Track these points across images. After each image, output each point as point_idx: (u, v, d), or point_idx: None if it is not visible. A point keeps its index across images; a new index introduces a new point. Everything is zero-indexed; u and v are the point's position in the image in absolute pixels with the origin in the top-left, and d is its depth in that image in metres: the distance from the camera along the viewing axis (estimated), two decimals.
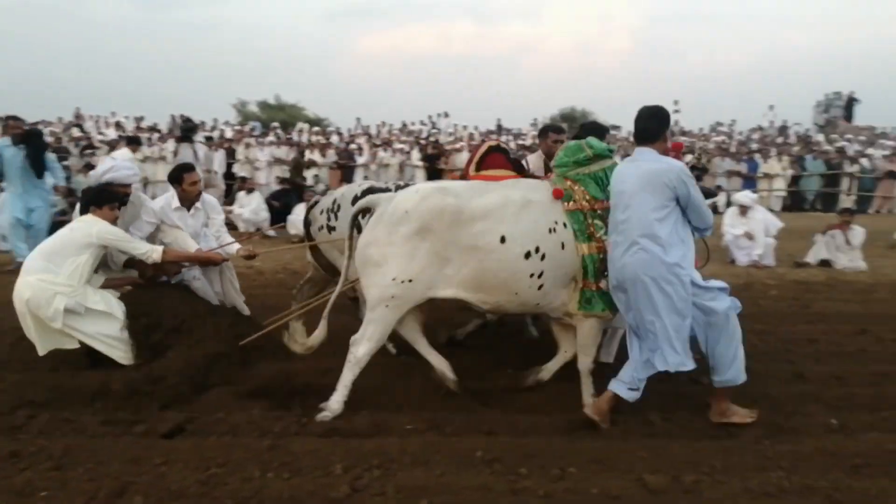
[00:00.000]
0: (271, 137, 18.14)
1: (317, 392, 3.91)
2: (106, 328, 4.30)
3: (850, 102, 27.21)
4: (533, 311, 4.19)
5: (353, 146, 17.82)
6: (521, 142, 20.71)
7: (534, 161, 5.37)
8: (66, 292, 4.17)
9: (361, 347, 3.75)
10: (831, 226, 9.36)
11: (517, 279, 3.72)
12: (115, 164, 4.88)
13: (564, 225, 3.79)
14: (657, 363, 3.51)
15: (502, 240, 3.67)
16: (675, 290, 3.43)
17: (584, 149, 3.96)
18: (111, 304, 4.38)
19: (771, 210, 17.16)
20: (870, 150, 19.25)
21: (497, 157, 4.63)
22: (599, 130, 4.81)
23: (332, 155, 16.40)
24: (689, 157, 5.53)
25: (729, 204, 10.90)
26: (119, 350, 4.32)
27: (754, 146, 19.91)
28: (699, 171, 4.88)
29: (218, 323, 4.54)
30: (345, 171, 15.85)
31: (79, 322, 4.23)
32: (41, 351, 4.26)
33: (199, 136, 14.57)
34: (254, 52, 60.48)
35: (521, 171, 4.72)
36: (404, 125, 22.94)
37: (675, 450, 3.32)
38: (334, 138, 19.54)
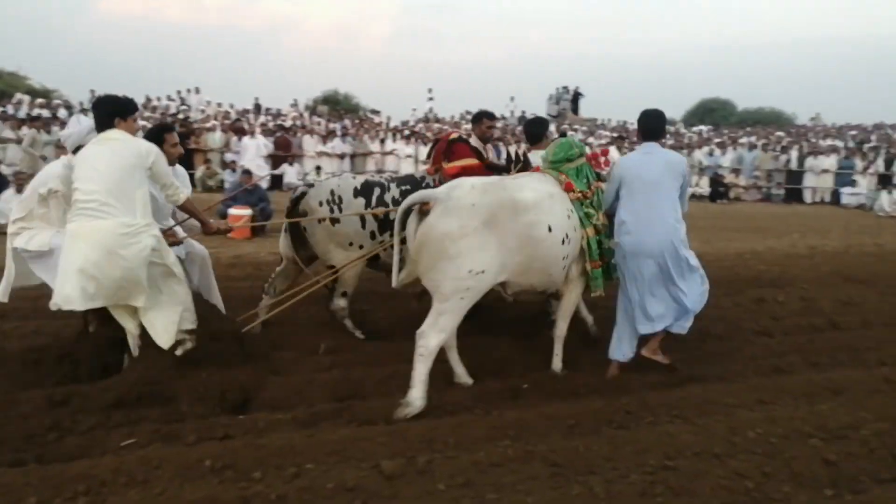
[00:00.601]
0: None
1: None
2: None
3: (576, 96, 30.75)
4: (551, 288, 4.43)
5: None
6: (280, 122, 20.05)
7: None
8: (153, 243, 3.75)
9: (433, 339, 3.72)
10: None
11: (555, 262, 4.14)
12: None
13: (572, 212, 4.28)
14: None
15: (549, 229, 4.03)
16: (688, 254, 4.24)
17: (574, 147, 4.57)
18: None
19: None
20: (590, 140, 21.84)
21: (462, 148, 5.19)
22: (545, 124, 5.78)
23: (58, 132, 14.28)
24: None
25: None
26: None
27: (496, 134, 21.47)
28: None
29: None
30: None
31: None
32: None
33: None
34: None
35: (482, 159, 5.24)
36: (148, 100, 20.82)
37: (414, 431, 3.36)
38: (62, 112, 17.12)
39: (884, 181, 18.14)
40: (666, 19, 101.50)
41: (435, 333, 3.73)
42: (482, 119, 5.56)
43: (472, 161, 5.12)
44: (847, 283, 7.65)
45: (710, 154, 20.64)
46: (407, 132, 20.34)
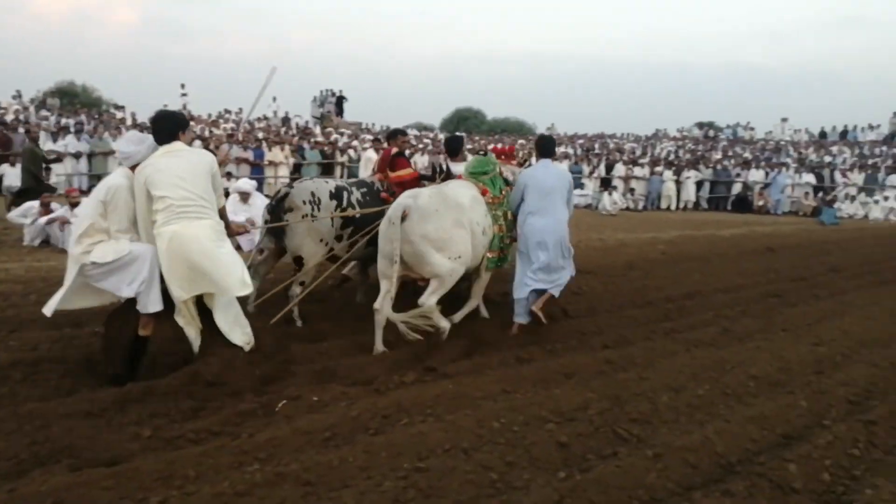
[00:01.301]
0: None
1: None
2: None
3: (341, 100, 30.85)
4: (471, 271, 5.52)
5: None
6: None
7: (366, 157, 6.90)
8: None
9: (432, 300, 4.99)
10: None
11: (481, 249, 5.44)
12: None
13: (487, 212, 5.52)
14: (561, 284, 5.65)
15: (478, 224, 5.35)
16: (568, 244, 5.67)
17: (490, 163, 5.87)
18: None
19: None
20: (354, 143, 22.04)
21: (403, 161, 6.41)
22: (461, 140, 7.26)
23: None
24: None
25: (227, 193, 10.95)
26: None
27: (260, 135, 20.67)
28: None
29: None
30: None
31: None
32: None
33: None
34: None
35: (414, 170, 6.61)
36: None
37: (146, 468, 2.98)
38: None
39: (605, 184, 20.86)
40: (427, 29, 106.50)
41: (432, 297, 5.00)
42: (397, 136, 6.62)
43: (410, 171, 6.36)
44: (577, 274, 8.57)
45: (465, 160, 21.98)
46: None
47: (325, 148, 19.74)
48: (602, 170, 21.60)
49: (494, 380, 4.33)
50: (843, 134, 33.43)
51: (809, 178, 23.71)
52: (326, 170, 19.47)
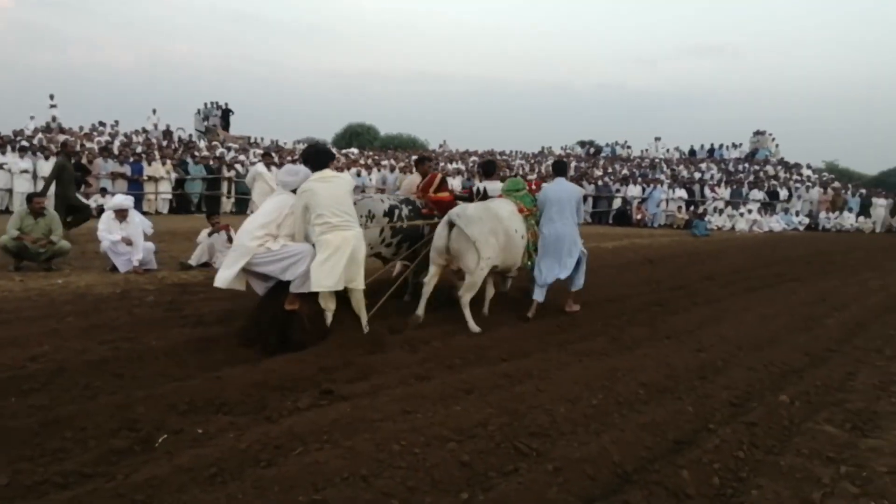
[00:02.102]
0: None
1: None
2: None
3: (226, 113, 29.76)
4: (512, 268, 7.21)
5: None
6: None
7: (410, 180, 8.31)
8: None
9: (467, 295, 6.44)
10: (216, 227, 9.73)
11: (519, 251, 6.94)
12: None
13: (523, 222, 7.05)
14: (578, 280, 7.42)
15: (516, 231, 6.84)
16: (578, 244, 7.26)
17: (521, 183, 7.58)
18: None
19: (158, 213, 17.17)
20: (241, 157, 21.28)
21: (445, 185, 7.88)
22: (495, 164, 8.65)
23: None
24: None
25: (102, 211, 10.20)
26: None
27: (139, 149, 19.52)
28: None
29: None
30: None
31: None
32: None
33: None
34: None
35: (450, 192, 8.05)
36: None
37: None
38: None
39: None
40: (317, 44, 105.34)
41: (468, 293, 6.43)
42: (425, 162, 8.44)
43: (447, 194, 7.67)
44: None
45: (358, 175, 21.79)
46: (24, 143, 17.14)
47: (211, 162, 18.89)
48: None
49: (393, 399, 4.20)
50: (711, 152, 36.13)
51: (681, 192, 25.39)
52: (212, 185, 18.65)
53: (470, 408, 4.09)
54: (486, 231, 6.36)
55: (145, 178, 17.15)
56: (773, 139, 36.60)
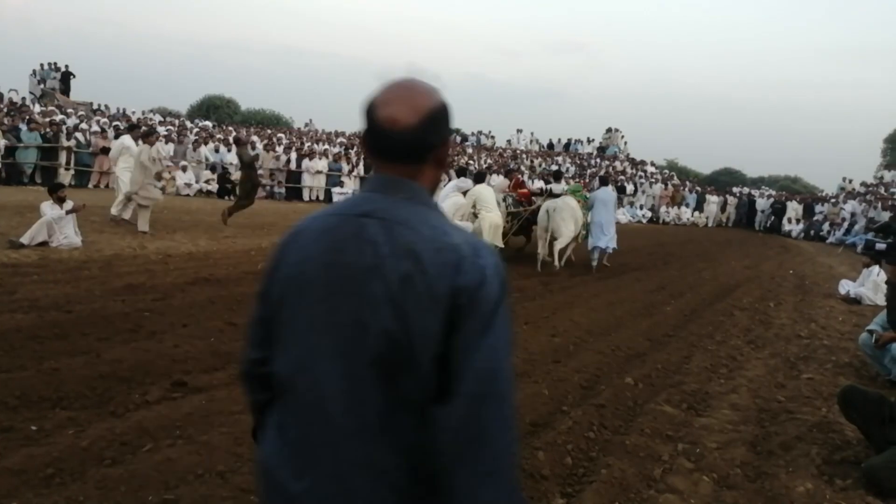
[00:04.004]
0: None
1: None
2: None
3: (67, 76, 27.04)
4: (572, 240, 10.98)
5: None
6: None
7: (501, 182, 13.49)
8: None
9: (568, 249, 11.08)
10: (76, 208, 8.80)
11: (578, 229, 10.94)
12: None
13: (580, 211, 10.95)
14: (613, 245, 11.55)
15: (582, 216, 10.96)
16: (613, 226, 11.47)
17: (580, 187, 13.86)
18: None
19: None
20: (84, 126, 19.49)
21: (523, 184, 13.35)
22: (561, 172, 16.10)
23: None
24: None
25: None
26: None
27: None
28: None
29: None
30: None
31: None
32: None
33: None
34: None
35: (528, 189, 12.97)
36: None
37: None
38: None
39: (364, 183, 21.13)
40: (170, 8, 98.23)
41: (562, 250, 10.67)
42: (513, 173, 13.82)
43: (525, 190, 12.44)
44: None
45: (217, 151, 20.69)
46: None
47: (47, 130, 17.10)
48: (361, 169, 21.85)
49: None
50: (567, 146, 38.06)
51: (540, 184, 26.47)
52: (48, 155, 16.91)
53: None
54: (568, 217, 10.48)
55: None
56: (623, 137, 39.22)
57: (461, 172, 11.63)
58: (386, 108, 1.19)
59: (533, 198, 11.93)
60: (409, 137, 1.19)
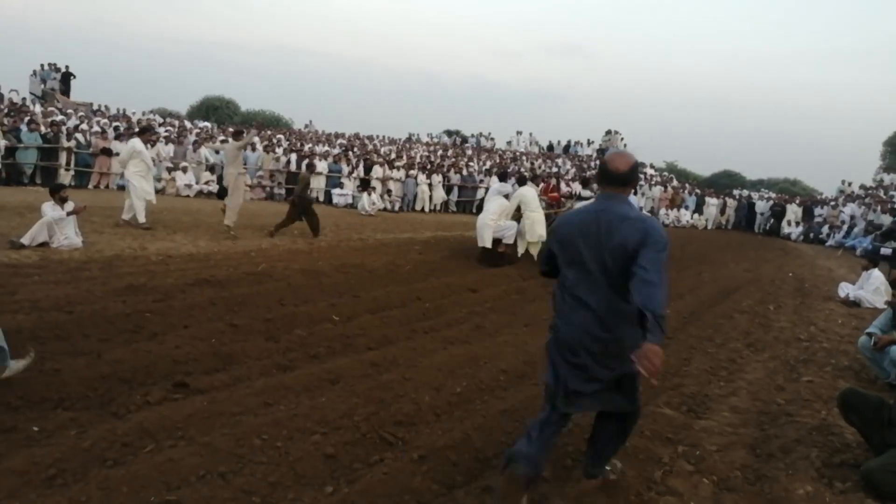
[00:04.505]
0: None
1: None
2: None
3: (67, 76, 27.06)
4: None
5: None
6: None
7: (532, 189, 12.05)
8: None
9: None
10: (77, 210, 8.84)
11: None
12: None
13: None
14: None
15: None
16: None
17: None
18: None
19: None
20: (84, 126, 19.49)
21: (555, 189, 15.69)
22: (589, 179, 15.56)
23: None
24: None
25: None
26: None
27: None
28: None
29: None
30: None
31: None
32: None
33: None
34: None
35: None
36: None
37: None
38: None
39: (364, 185, 21.13)
40: (168, 7, 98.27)
41: None
42: (539, 177, 16.13)
43: (556, 194, 14.04)
44: (339, 273, 8.52)
45: (217, 152, 20.69)
46: None
47: (46, 129, 17.10)
48: (361, 170, 21.85)
49: (254, 392, 4.06)
50: (566, 148, 38.08)
51: (540, 185, 26.54)
52: (48, 155, 16.92)
53: (335, 398, 4.05)
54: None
55: None
56: (622, 139, 39.24)
57: (502, 177, 12.71)
58: (613, 163, 2.88)
59: (562, 200, 13.80)
60: (622, 176, 2.86)
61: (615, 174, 2.85)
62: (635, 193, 12.21)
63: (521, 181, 11.81)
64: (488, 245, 10.68)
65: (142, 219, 11.08)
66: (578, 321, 2.82)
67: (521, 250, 11.07)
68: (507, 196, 11.32)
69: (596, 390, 2.85)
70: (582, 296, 2.82)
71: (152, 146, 18.54)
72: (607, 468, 3.22)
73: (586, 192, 13.29)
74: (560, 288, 2.96)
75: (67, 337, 4.93)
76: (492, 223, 10.68)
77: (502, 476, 2.83)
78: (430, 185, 23.00)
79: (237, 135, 12.20)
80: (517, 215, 11.05)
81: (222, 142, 17.41)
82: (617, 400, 2.89)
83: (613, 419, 3.02)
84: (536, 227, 10.82)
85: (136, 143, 11.50)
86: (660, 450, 3.77)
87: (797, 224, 26.90)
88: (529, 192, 11.13)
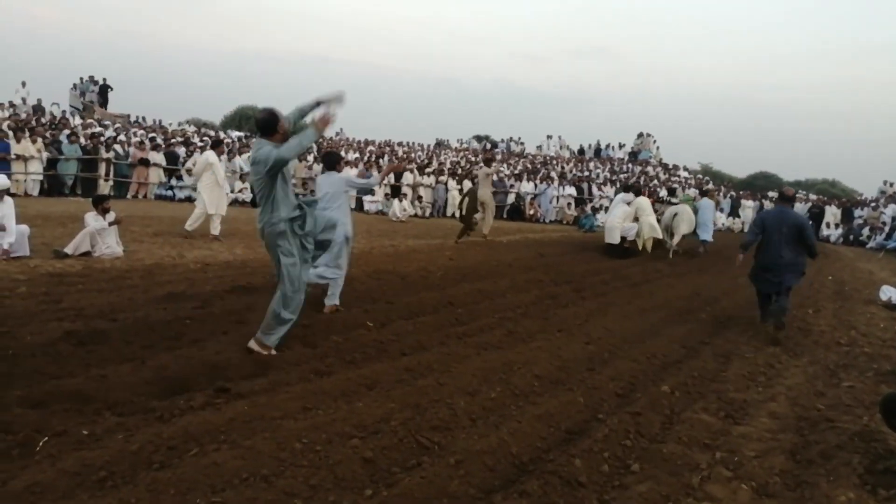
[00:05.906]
0: None
1: None
2: None
3: (105, 89, 27.81)
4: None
5: None
6: None
7: (646, 199, 15.09)
8: None
9: (678, 239, 15.04)
10: (117, 220, 9.14)
11: (692, 228, 15.27)
12: None
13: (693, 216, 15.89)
14: None
15: (691, 220, 15.27)
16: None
17: (690, 197, 18.87)
18: None
19: (27, 195, 15.84)
20: (122, 137, 20.00)
21: (649, 194, 19.40)
22: (671, 190, 23.90)
23: None
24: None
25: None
26: None
27: (5, 125, 17.87)
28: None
29: None
30: None
31: None
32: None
33: None
34: None
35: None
36: None
37: None
38: None
39: (395, 191, 21.31)
40: (203, 20, 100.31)
41: (677, 244, 14.90)
42: (645, 189, 20.39)
43: (653, 199, 16.66)
44: (372, 279, 8.61)
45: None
46: None
47: (86, 141, 17.59)
48: (392, 177, 22.03)
49: (294, 397, 4.14)
50: (598, 151, 37.83)
51: (571, 190, 26.44)
52: (88, 166, 17.40)
53: (372, 403, 4.10)
54: (686, 220, 14.39)
55: (13, 156, 15.73)
56: (655, 141, 38.86)
57: (626, 189, 15.47)
58: (788, 192, 8.05)
59: (655, 204, 15.70)
60: (790, 197, 7.97)
61: (787, 196, 7.84)
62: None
63: (637, 192, 14.84)
64: (616, 242, 13.60)
65: (190, 227, 11.41)
66: (772, 256, 7.27)
67: (640, 246, 13.72)
68: (628, 203, 13.96)
69: (777, 282, 7.30)
70: (775, 246, 7.24)
71: (229, 160, 18.99)
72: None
73: (674, 199, 17.72)
74: (764, 244, 7.38)
75: (112, 344, 5.09)
76: (619, 225, 13.63)
77: (767, 326, 7.34)
78: (460, 190, 23.08)
79: None
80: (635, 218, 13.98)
81: None
82: (783, 286, 7.28)
83: (782, 295, 7.26)
84: (650, 227, 13.60)
85: (210, 155, 11.72)
86: (697, 456, 3.75)
87: (836, 226, 26.33)
88: (644, 201, 13.96)
